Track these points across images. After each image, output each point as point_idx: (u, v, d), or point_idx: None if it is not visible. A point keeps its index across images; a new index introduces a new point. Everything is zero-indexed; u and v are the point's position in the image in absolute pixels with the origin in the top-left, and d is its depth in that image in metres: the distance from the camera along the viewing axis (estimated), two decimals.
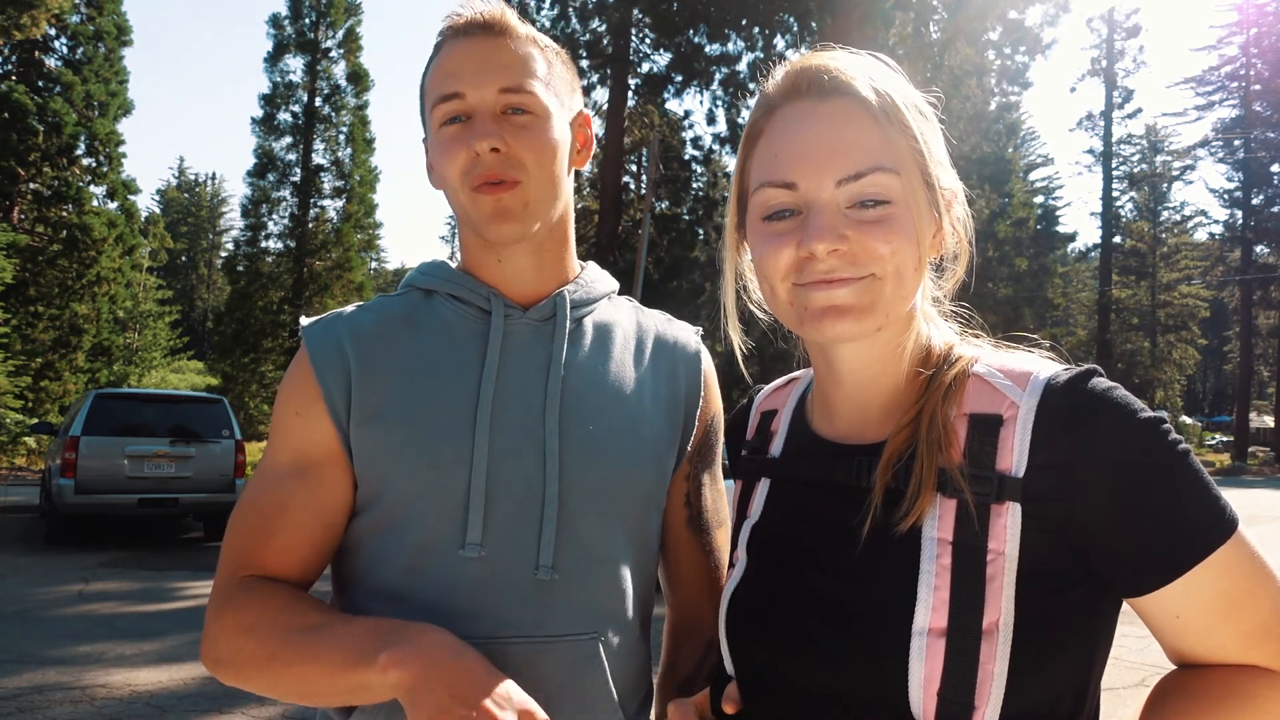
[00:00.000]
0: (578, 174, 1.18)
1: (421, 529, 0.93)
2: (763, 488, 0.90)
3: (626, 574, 1.00)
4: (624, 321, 1.09)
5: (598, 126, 23.97)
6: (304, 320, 1.02)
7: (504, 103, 0.95)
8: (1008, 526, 0.71)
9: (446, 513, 0.93)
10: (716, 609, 1.09)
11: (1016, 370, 0.76)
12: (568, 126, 1.02)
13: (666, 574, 1.12)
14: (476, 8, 0.98)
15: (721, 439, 1.14)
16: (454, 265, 1.07)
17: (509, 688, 0.78)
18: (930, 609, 0.70)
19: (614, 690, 0.95)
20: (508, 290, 1.02)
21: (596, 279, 1.08)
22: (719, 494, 1.13)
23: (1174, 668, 0.77)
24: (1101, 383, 0.72)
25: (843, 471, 0.81)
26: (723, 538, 1.13)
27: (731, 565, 0.90)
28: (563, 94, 1.02)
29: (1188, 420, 43.89)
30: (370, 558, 0.96)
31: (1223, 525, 0.70)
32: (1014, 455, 0.72)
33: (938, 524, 0.73)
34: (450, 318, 1.00)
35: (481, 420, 0.94)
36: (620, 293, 1.13)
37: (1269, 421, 41.82)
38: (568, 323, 1.01)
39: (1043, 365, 0.77)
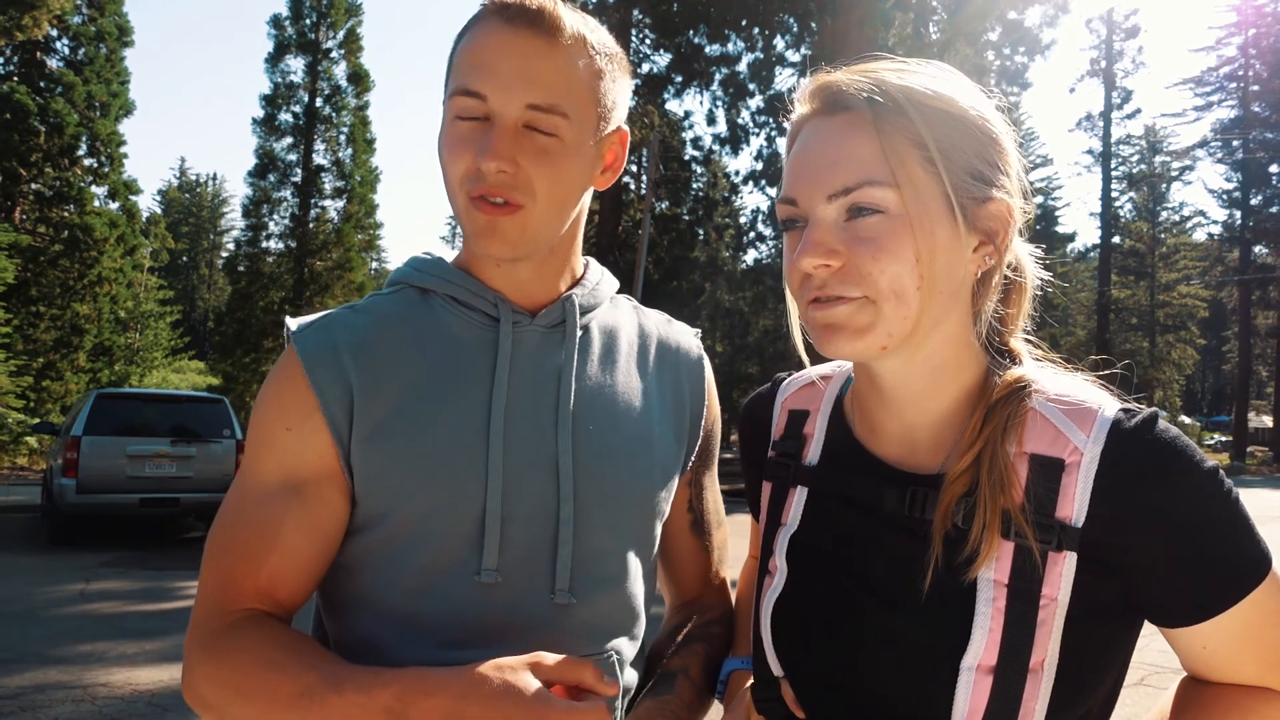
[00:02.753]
0: None
1: (432, 550, 0.88)
2: (799, 496, 0.88)
3: (636, 588, 0.98)
4: (627, 325, 1.04)
5: None
6: (292, 323, 0.92)
7: (529, 119, 0.85)
8: (1063, 575, 0.72)
9: (459, 533, 0.88)
10: (716, 591, 1.11)
11: (1077, 406, 0.75)
12: (597, 147, 0.92)
13: (668, 574, 1.11)
14: None
15: (718, 442, 1.12)
16: (450, 261, 0.99)
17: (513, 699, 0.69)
18: (983, 648, 0.72)
19: (620, 706, 0.93)
20: (517, 294, 0.95)
21: (600, 280, 1.03)
22: (716, 494, 1.12)
23: (1170, 663, 0.79)
24: (1166, 431, 0.72)
25: (894, 499, 0.79)
26: (722, 536, 1.12)
27: (769, 572, 0.89)
28: (606, 108, 0.91)
29: (1187, 420, 43.86)
30: (373, 579, 0.90)
31: (1261, 567, 0.72)
32: (1075, 504, 0.72)
33: (995, 566, 0.73)
34: (453, 322, 0.93)
35: (495, 437, 0.89)
36: (619, 293, 1.09)
37: (1268, 421, 41.79)
38: (578, 331, 0.96)
39: (1103, 401, 0.75)
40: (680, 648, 1.00)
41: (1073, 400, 0.75)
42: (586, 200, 0.97)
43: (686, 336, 1.10)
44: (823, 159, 0.75)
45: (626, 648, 0.96)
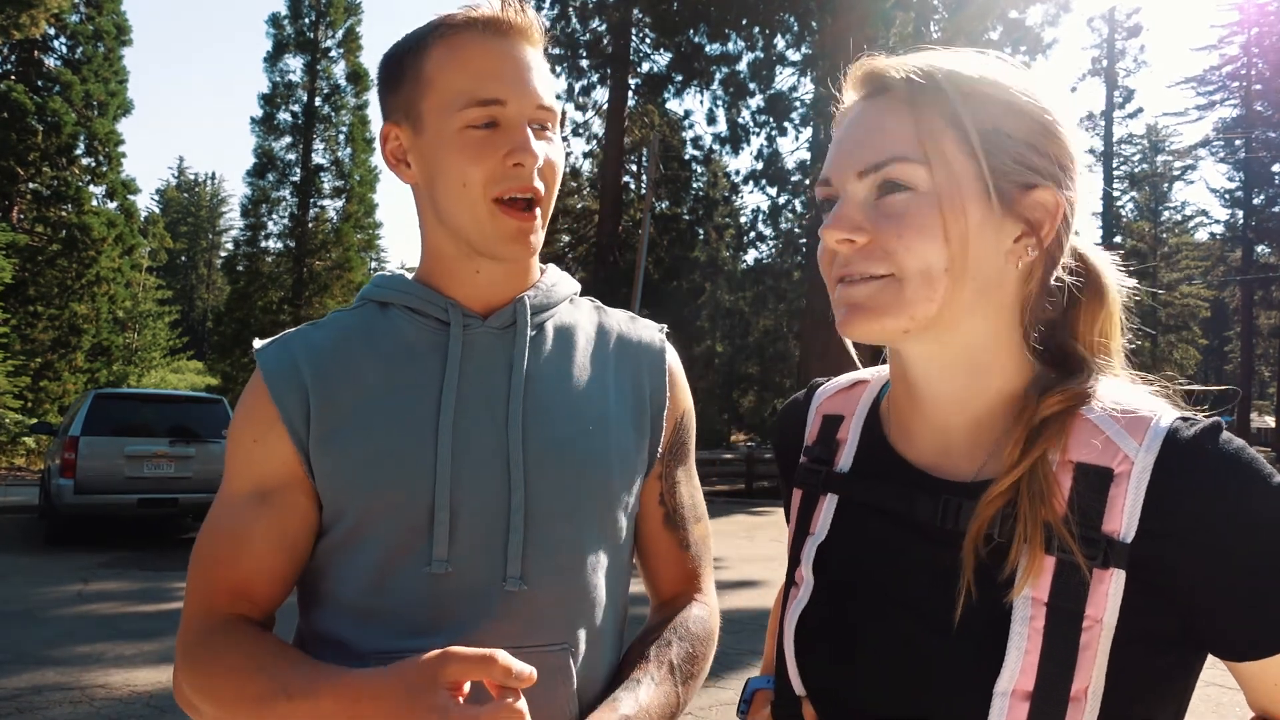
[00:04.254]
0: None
1: (386, 545, 0.92)
2: (829, 504, 0.85)
3: (598, 579, 0.98)
4: (585, 324, 1.07)
5: (597, 127, 23.91)
6: (257, 343, 1.00)
7: (536, 118, 0.93)
8: (1109, 594, 0.66)
9: (411, 527, 0.91)
10: (695, 587, 1.09)
11: (1130, 413, 0.69)
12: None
13: (646, 571, 1.10)
14: (509, 6, 0.95)
15: (693, 434, 1.12)
16: (410, 277, 1.04)
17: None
18: (1018, 672, 0.67)
19: (577, 703, 0.93)
20: (472, 301, 0.99)
21: (557, 282, 1.06)
22: (695, 489, 1.12)
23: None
24: (1230, 442, 0.66)
25: (926, 508, 0.75)
26: (700, 531, 1.11)
27: (795, 583, 0.85)
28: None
29: None
30: (335, 576, 0.94)
31: None
32: (1124, 518, 0.66)
33: (1034, 583, 0.68)
34: (407, 330, 0.98)
35: (444, 433, 0.92)
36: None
37: (1270, 422, 41.82)
38: (528, 329, 1.00)
39: (1161, 409, 0.70)
40: (654, 638, 1.01)
41: (1126, 407, 0.70)
42: None
43: (649, 331, 1.12)
44: (857, 137, 0.74)
45: (585, 640, 0.96)
